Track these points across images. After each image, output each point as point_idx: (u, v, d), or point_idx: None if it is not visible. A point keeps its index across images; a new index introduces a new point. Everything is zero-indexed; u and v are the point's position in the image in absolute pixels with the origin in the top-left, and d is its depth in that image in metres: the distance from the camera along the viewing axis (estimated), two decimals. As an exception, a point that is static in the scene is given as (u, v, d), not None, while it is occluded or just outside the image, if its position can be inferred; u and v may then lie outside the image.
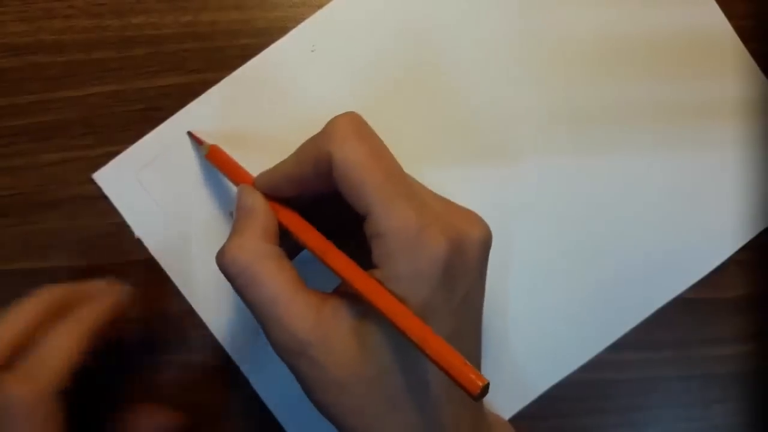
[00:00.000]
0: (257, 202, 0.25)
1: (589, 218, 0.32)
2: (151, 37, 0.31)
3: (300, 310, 0.22)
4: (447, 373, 0.20)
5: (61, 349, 0.24)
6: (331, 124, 0.23)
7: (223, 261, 0.23)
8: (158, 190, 0.31)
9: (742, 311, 0.33)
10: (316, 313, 0.23)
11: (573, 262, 0.32)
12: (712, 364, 0.33)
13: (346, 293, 0.24)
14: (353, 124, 0.23)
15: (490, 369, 0.31)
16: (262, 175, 0.26)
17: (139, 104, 0.31)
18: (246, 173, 0.28)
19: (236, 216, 0.25)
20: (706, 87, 0.33)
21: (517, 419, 0.31)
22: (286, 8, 0.32)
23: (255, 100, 0.31)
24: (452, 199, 0.26)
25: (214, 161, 0.28)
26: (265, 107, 0.31)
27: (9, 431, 0.23)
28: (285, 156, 0.26)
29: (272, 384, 0.31)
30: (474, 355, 0.25)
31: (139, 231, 0.31)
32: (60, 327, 0.25)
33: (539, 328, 0.31)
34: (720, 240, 0.33)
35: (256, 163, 0.31)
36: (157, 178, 0.31)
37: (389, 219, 0.22)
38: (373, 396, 0.23)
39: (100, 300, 0.26)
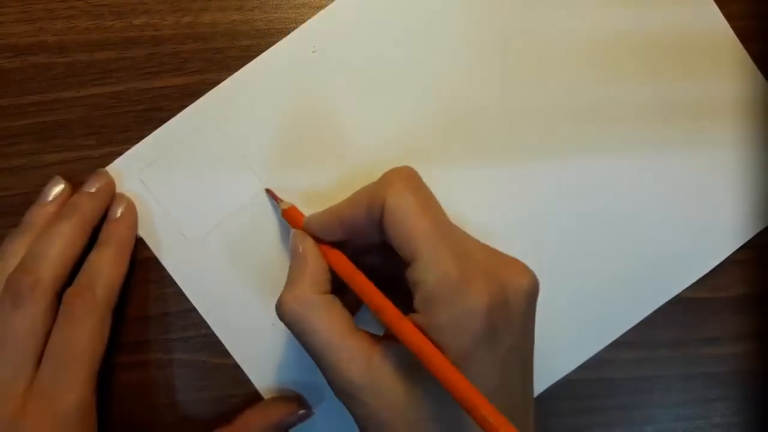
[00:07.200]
0: (308, 247, 0.26)
1: (588, 218, 0.32)
2: (152, 38, 0.31)
3: (351, 357, 0.24)
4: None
5: (110, 270, 0.29)
6: (388, 173, 0.25)
7: (281, 312, 0.25)
8: (160, 190, 0.31)
9: (741, 310, 0.33)
10: (366, 359, 0.24)
11: (572, 261, 0.32)
12: (711, 363, 0.33)
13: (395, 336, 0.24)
14: (408, 175, 0.25)
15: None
16: (313, 215, 0.27)
17: (141, 105, 0.31)
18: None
19: (291, 262, 0.26)
20: (706, 87, 0.33)
21: (517, 418, 0.31)
22: (287, 9, 0.32)
23: (256, 102, 0.31)
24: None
25: (289, 220, 0.29)
26: (266, 108, 0.31)
27: (70, 331, 0.27)
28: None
29: (273, 383, 0.31)
30: (522, 408, 0.25)
31: (141, 230, 0.31)
32: (105, 252, 0.29)
33: (538, 328, 0.31)
34: (719, 239, 0.33)
35: (256, 164, 0.31)
36: (159, 178, 0.31)
37: (432, 266, 0.23)
38: None
39: (127, 220, 0.30)
